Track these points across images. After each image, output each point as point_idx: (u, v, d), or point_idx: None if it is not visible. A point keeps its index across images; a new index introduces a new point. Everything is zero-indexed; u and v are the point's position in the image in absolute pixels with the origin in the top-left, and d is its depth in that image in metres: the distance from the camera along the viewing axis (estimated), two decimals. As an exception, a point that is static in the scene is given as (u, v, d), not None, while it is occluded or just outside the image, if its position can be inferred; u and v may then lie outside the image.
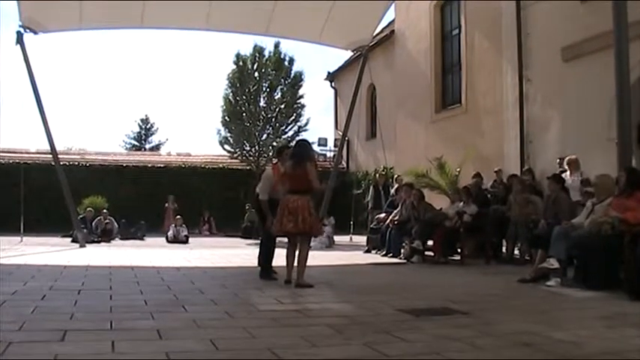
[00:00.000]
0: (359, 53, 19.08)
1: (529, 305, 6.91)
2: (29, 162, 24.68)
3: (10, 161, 25.29)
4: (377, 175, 19.56)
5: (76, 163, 26.78)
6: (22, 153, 23.83)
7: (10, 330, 4.87)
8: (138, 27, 17.62)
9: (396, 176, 17.66)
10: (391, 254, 13.51)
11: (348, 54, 22.64)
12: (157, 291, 7.60)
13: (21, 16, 15.76)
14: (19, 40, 15.99)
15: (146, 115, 52.79)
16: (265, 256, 9.34)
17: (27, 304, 6.16)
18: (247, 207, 22.75)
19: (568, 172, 12.03)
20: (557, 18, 15.05)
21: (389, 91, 24.47)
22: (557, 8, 14.93)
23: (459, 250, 12.89)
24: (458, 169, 16.60)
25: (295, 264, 8.24)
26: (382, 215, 15.05)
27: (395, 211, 14.20)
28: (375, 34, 19.69)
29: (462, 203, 12.94)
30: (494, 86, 17.69)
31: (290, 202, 8.11)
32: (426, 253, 12.74)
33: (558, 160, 13.43)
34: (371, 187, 18.00)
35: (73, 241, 17.45)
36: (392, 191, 16.01)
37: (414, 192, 13.81)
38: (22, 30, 15.96)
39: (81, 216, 19.28)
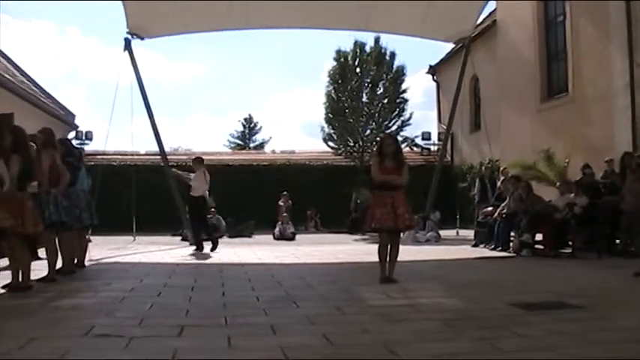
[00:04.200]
0: (460, 45, 18.87)
1: (646, 300, 6.68)
2: (139, 163, 25.43)
3: (122, 163, 26.23)
4: (483, 167, 19.28)
5: (184, 163, 27.46)
6: (132, 155, 24.54)
7: (130, 325, 5.08)
8: (242, 28, 17.94)
9: (502, 169, 17.33)
10: (500, 248, 13.35)
11: (449, 46, 22.47)
12: (268, 287, 7.73)
13: (128, 23, 16.34)
14: (127, 46, 16.66)
15: (249, 115, 53.94)
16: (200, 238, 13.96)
17: (144, 301, 6.40)
18: (358, 201, 22.58)
19: None
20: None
21: (492, 82, 24.01)
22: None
23: (569, 243, 12.56)
24: (566, 160, 16.19)
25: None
26: (489, 209, 14.85)
27: (502, 204, 13.98)
28: (476, 24, 19.41)
29: (572, 195, 12.61)
30: (602, 73, 17.07)
31: (388, 198, 7.97)
32: (536, 246, 12.50)
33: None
34: (477, 181, 17.73)
35: (182, 240, 17.91)
36: (498, 184, 15.76)
37: (522, 184, 13.57)
38: (129, 36, 16.60)
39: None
